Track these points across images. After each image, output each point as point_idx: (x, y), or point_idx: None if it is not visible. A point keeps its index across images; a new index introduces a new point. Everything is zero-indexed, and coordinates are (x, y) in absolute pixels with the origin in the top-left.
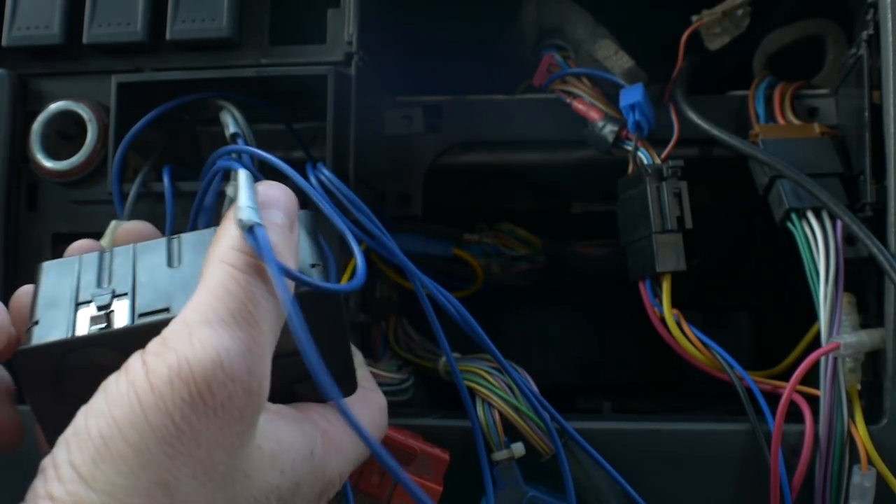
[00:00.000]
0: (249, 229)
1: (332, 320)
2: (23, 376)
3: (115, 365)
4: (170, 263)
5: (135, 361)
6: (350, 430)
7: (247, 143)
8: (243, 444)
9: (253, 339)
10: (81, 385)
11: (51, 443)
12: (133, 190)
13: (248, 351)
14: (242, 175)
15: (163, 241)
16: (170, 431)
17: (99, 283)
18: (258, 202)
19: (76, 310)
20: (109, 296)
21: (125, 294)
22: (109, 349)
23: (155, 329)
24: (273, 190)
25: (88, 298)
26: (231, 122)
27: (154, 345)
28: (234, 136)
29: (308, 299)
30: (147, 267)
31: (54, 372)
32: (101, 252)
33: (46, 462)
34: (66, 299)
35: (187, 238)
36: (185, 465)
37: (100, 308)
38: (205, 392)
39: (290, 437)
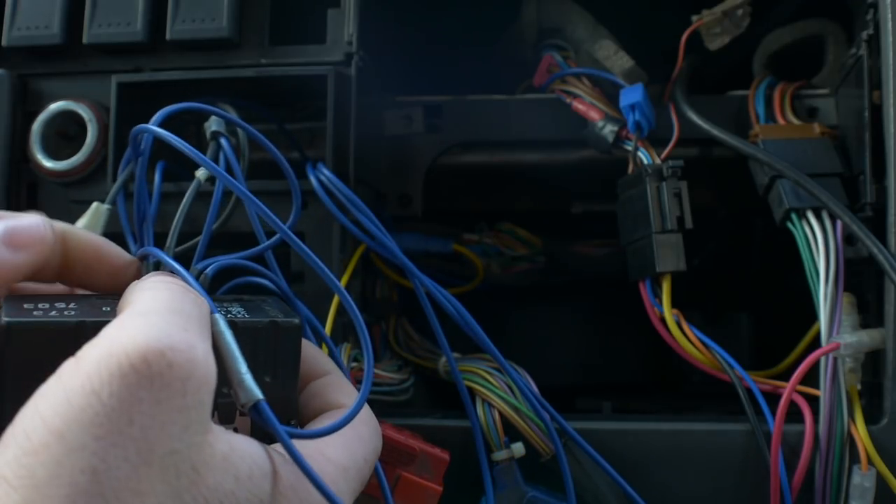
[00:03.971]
0: (254, 407)
1: (291, 353)
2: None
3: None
4: None
5: (66, 361)
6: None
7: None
8: (188, 424)
9: (189, 322)
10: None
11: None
12: (119, 180)
13: (185, 329)
14: (227, 335)
15: None
16: (95, 410)
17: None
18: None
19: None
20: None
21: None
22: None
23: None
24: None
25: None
26: (214, 119)
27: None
28: (216, 135)
29: (269, 332)
30: None
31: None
32: None
33: None
34: None
35: None
36: (116, 445)
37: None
38: (139, 363)
39: (246, 446)
